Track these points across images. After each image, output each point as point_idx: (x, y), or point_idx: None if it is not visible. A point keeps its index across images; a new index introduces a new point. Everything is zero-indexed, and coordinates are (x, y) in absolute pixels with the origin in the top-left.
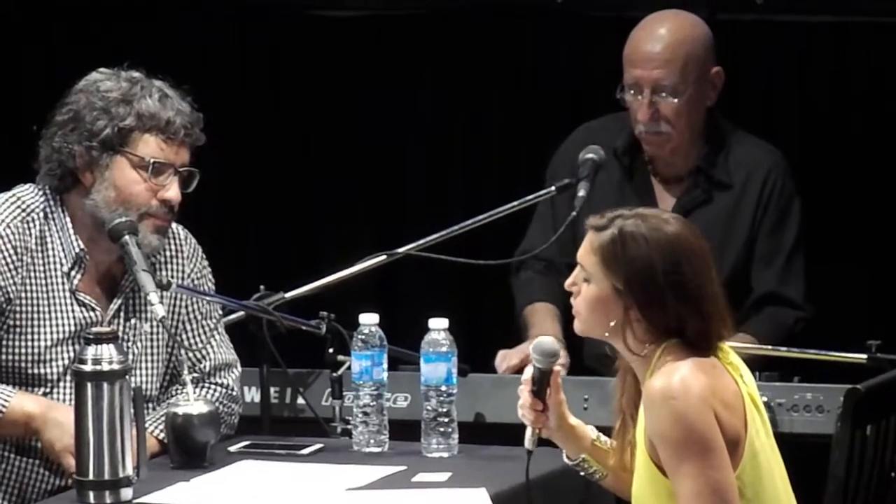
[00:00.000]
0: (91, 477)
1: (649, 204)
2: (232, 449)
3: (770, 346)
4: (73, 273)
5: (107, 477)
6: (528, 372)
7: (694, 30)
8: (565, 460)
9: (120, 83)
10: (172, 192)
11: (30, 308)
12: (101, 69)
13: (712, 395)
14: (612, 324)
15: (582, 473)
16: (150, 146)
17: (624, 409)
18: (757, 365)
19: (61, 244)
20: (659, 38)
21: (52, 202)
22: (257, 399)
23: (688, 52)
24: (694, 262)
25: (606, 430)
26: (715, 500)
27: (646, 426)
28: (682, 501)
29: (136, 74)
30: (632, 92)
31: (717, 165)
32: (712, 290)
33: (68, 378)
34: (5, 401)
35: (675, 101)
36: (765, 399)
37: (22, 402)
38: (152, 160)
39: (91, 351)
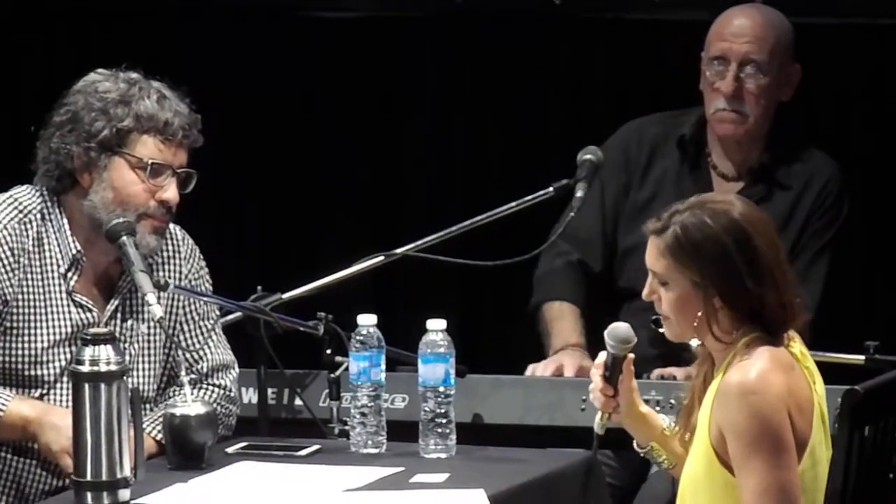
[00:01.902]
0: (89, 478)
1: (702, 185)
2: (229, 450)
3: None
4: (69, 274)
5: (104, 478)
6: (602, 357)
7: (783, 19)
8: (635, 447)
9: (118, 84)
10: (170, 193)
11: (27, 309)
12: (100, 70)
13: (788, 395)
14: (698, 316)
15: (651, 461)
16: (148, 147)
17: (696, 391)
18: None
19: (58, 245)
20: (751, 16)
21: (49, 203)
22: (255, 400)
23: (778, 35)
24: (762, 235)
25: (606, 432)
26: (781, 498)
27: (717, 417)
28: (746, 495)
29: (134, 75)
30: (716, 63)
31: (778, 165)
32: (783, 260)
33: (65, 379)
34: (2, 405)
35: (762, 77)
36: None
37: (19, 407)
38: (150, 161)
39: (88, 352)
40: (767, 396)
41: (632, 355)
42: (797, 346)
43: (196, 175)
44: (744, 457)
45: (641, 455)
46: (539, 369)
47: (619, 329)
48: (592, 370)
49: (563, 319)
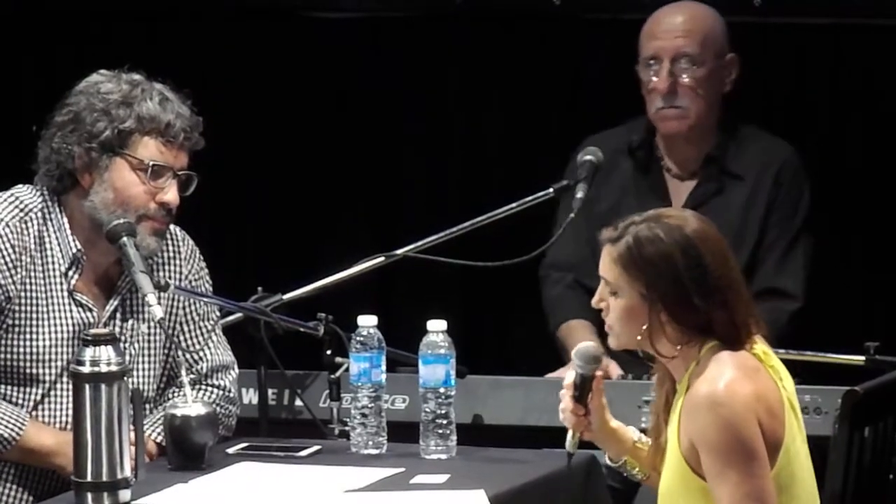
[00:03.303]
0: (89, 479)
1: (663, 198)
2: (230, 451)
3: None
4: (70, 273)
5: (105, 479)
6: (570, 377)
7: (712, 12)
8: (608, 462)
9: (120, 85)
10: (171, 195)
11: (28, 308)
12: (102, 71)
13: (757, 402)
14: (643, 329)
15: (625, 475)
16: (149, 149)
17: (659, 410)
18: None
19: (59, 245)
20: (680, 13)
21: (49, 203)
22: (255, 401)
23: (708, 27)
24: (713, 254)
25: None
26: None
27: (688, 429)
28: None
29: (136, 77)
30: (650, 63)
31: (729, 156)
32: (735, 279)
33: (66, 378)
34: (19, 429)
35: (695, 69)
36: None
37: (39, 434)
38: (151, 163)
39: (89, 352)
40: (736, 407)
41: (601, 373)
42: (759, 346)
43: (196, 178)
44: (717, 468)
45: (615, 469)
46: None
47: (586, 349)
48: (562, 391)
49: (577, 333)
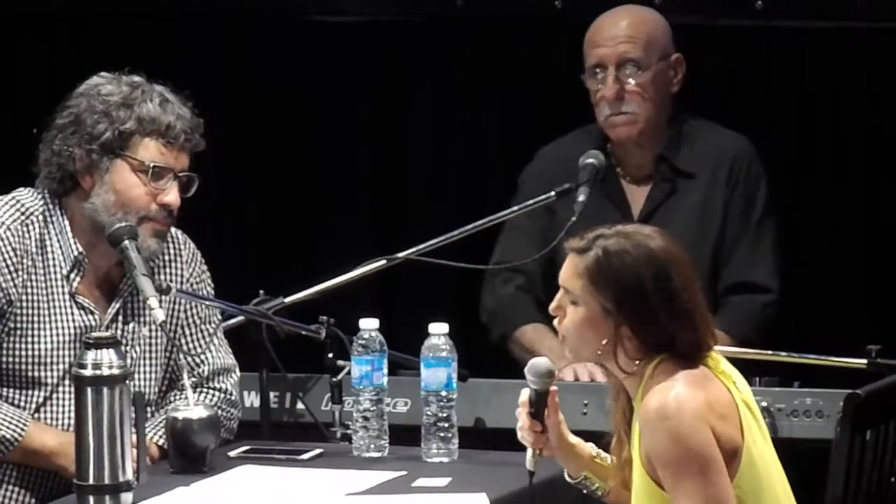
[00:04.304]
0: (91, 481)
1: (620, 204)
2: (232, 454)
3: (770, 352)
4: (72, 276)
5: (107, 481)
6: (525, 394)
7: (654, 14)
8: (567, 478)
9: (121, 87)
10: (172, 196)
11: (30, 311)
12: (103, 73)
13: (708, 410)
14: (603, 343)
15: (584, 491)
16: (150, 150)
17: (618, 426)
18: (752, 369)
19: (60, 248)
20: (621, 19)
21: (50, 205)
22: (257, 404)
23: (650, 30)
24: (681, 274)
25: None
26: None
27: (642, 444)
28: None
29: (136, 79)
30: (596, 72)
31: (680, 154)
32: (699, 300)
33: (67, 381)
34: (21, 430)
35: (641, 74)
36: (764, 404)
37: (41, 435)
38: (152, 164)
39: (91, 356)
40: (685, 417)
41: (555, 388)
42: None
43: (198, 179)
44: (673, 481)
45: (574, 485)
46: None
47: (538, 364)
48: (518, 409)
49: (545, 339)
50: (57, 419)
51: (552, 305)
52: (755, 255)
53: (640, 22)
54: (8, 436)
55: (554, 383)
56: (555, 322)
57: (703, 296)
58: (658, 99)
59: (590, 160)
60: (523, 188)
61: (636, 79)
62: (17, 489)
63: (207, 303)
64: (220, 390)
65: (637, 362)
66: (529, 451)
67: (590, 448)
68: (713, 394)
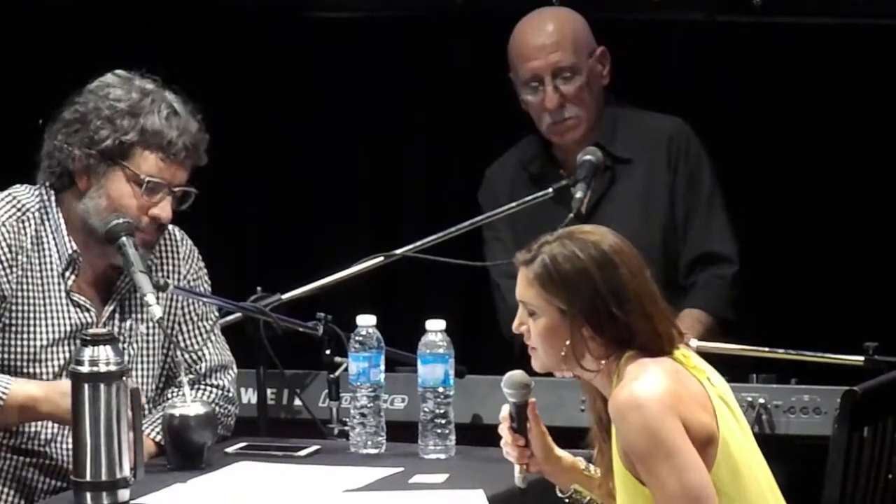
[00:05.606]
0: (88, 478)
1: (566, 204)
2: (229, 450)
3: (767, 349)
4: (67, 274)
5: (104, 478)
6: (505, 409)
7: (571, 13)
8: (558, 494)
9: (131, 94)
10: (163, 210)
11: (25, 307)
12: (118, 71)
13: (675, 399)
14: (566, 345)
15: None
16: (148, 163)
17: (597, 436)
18: (750, 366)
19: (56, 245)
20: (544, 27)
21: (47, 202)
22: (254, 400)
23: (574, 31)
24: (628, 266)
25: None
26: (690, 498)
27: (618, 440)
28: None
29: (149, 86)
30: (533, 85)
31: (616, 141)
32: (651, 290)
33: (63, 378)
34: (5, 387)
35: (576, 78)
36: (762, 401)
37: (24, 387)
38: (147, 178)
39: (88, 352)
40: (651, 405)
41: (534, 399)
42: (679, 350)
43: (194, 194)
44: (646, 471)
45: (566, 500)
46: None
47: (513, 377)
48: (501, 426)
49: None
50: None
51: (514, 324)
52: (711, 226)
53: (563, 25)
54: None
55: (532, 395)
56: (524, 340)
57: (657, 284)
58: (594, 96)
59: (588, 157)
60: (483, 210)
61: (573, 84)
62: (12, 486)
63: (205, 299)
64: (217, 387)
65: (602, 361)
66: (517, 468)
67: (579, 462)
68: (682, 382)
